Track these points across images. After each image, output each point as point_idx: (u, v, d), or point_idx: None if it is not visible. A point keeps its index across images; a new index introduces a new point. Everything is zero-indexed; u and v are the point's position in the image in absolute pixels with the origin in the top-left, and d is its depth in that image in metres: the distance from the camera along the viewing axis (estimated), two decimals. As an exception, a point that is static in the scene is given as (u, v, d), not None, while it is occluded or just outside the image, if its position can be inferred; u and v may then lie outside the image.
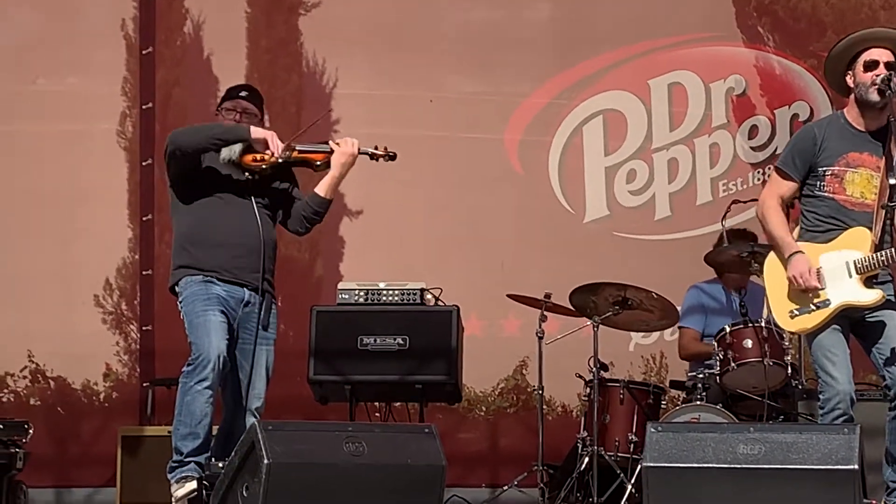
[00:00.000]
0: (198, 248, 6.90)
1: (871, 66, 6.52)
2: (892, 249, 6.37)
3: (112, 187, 9.84)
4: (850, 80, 6.61)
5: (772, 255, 6.71)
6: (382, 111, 9.81)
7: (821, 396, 6.50)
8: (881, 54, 6.54)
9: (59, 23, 9.90)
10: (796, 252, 6.54)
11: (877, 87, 6.46)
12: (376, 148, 7.01)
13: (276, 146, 6.84)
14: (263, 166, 6.90)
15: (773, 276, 6.66)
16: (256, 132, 6.87)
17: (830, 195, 6.57)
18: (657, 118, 9.97)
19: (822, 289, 6.50)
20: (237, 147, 6.94)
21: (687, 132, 9.95)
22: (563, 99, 9.99)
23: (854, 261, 6.47)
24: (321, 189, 7.01)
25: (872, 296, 6.47)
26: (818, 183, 6.60)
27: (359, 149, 6.96)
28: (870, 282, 6.48)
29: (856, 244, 6.50)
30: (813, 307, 6.50)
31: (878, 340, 6.49)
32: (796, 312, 6.54)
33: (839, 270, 6.50)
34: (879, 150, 6.52)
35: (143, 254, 9.82)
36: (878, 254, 6.42)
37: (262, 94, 7.28)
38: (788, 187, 6.67)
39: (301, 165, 7.04)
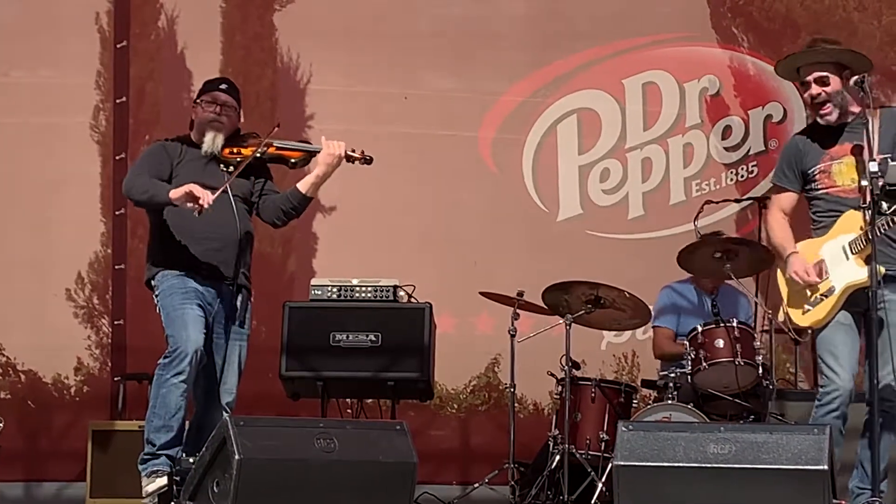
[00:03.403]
0: (175, 241, 6.88)
1: (805, 86, 6.79)
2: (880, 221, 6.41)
3: (85, 181, 9.80)
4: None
5: (781, 263, 6.90)
6: (357, 107, 9.80)
7: (820, 390, 6.59)
8: (811, 75, 6.74)
9: (33, 15, 9.84)
10: (791, 253, 6.75)
11: (811, 107, 6.76)
12: (353, 151, 7.00)
13: (203, 194, 6.63)
14: (238, 159, 6.92)
15: (785, 280, 6.84)
16: (174, 193, 6.68)
17: (825, 190, 6.74)
18: (631, 117, 9.98)
19: (826, 279, 6.62)
20: (219, 141, 6.95)
21: (661, 132, 9.97)
22: (537, 97, 9.99)
23: (849, 242, 6.60)
24: (303, 186, 7.01)
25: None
26: (813, 184, 6.78)
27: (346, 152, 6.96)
28: (870, 260, 6.48)
29: (849, 227, 6.62)
30: (821, 297, 6.64)
31: (871, 342, 6.51)
32: (808, 307, 6.70)
33: (838, 256, 6.64)
34: (857, 137, 6.62)
35: (116, 248, 9.78)
36: (868, 229, 6.47)
37: (237, 88, 7.28)
38: (787, 198, 6.89)
39: (276, 162, 7.05)
